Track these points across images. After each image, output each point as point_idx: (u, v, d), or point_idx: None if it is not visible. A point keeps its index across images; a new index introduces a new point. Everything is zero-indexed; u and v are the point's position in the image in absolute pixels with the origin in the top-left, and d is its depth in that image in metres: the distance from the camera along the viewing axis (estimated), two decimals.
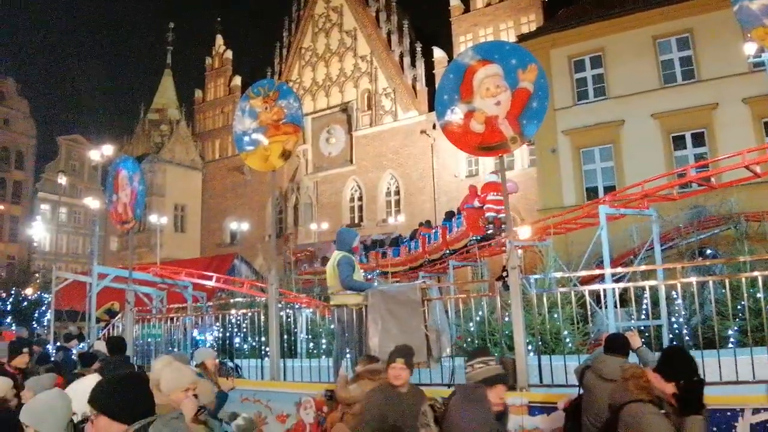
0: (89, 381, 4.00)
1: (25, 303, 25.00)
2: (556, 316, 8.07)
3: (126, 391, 2.35)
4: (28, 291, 27.25)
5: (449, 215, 18.34)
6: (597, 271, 9.52)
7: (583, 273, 8.98)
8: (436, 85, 33.20)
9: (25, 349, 6.33)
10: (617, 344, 4.32)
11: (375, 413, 4.04)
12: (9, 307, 24.08)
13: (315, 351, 10.22)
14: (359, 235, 8.18)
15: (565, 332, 8.25)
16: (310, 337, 10.44)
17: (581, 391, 4.28)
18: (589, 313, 7.78)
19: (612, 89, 22.02)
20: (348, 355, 7.11)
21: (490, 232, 15.65)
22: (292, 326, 9.89)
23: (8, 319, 22.55)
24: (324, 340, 10.11)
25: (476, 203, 16.38)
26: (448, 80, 5.94)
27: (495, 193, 15.33)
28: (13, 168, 44.70)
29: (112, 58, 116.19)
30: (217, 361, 7.73)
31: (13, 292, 25.35)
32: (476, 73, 5.75)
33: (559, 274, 8.32)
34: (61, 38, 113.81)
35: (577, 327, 8.32)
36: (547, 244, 10.42)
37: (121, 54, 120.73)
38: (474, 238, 16.26)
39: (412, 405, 4.03)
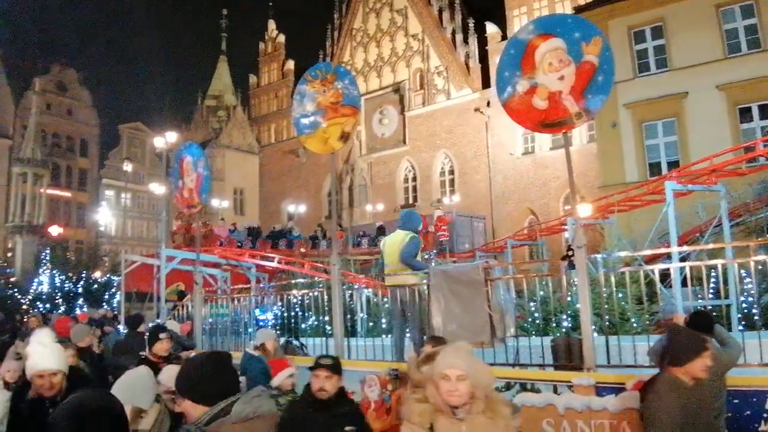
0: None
1: (95, 285, 26.18)
2: (621, 295, 7.90)
3: (206, 374, 2.36)
4: (97, 274, 28.50)
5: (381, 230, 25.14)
6: (664, 250, 9.22)
7: (650, 252, 8.72)
8: (490, 62, 32.82)
9: (163, 335, 5.70)
10: (702, 322, 4.19)
11: (674, 412, 3.47)
12: (80, 290, 25.26)
13: (375, 330, 10.34)
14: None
15: (631, 312, 8.08)
16: (369, 316, 10.57)
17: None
18: (658, 292, 7.57)
19: (674, 60, 21.16)
20: (408, 335, 7.18)
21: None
22: (352, 305, 10.02)
23: (80, 301, 23.66)
24: (384, 320, 10.21)
25: (431, 229, 23.07)
26: (509, 56, 5.81)
27: (444, 225, 24.02)
28: (78, 156, 46.55)
29: (169, 47, 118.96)
30: (282, 340, 7.94)
31: (83, 275, 26.56)
32: (538, 48, 5.61)
33: (624, 253, 8.11)
34: (118, 29, 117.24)
35: (644, 307, 8.13)
36: (610, 222, 10.18)
37: (178, 42, 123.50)
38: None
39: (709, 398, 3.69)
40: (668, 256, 9.59)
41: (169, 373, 4.35)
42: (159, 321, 11.20)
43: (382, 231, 24.44)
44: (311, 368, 3.85)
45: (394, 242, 7.12)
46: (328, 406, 3.74)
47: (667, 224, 9.39)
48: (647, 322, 7.14)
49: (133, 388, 3.02)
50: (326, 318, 9.02)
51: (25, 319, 13.19)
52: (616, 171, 21.62)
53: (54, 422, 1.99)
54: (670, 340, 3.68)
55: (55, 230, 32.56)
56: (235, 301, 10.04)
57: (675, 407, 3.40)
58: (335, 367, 3.85)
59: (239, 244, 21.86)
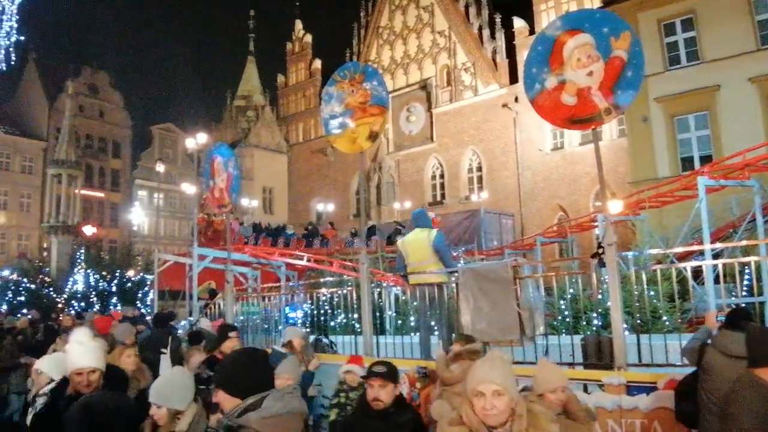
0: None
1: (129, 284, 26.66)
2: (652, 293, 7.79)
3: (240, 368, 2.46)
4: (131, 273, 29.01)
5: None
6: (696, 247, 9.07)
7: (682, 249, 8.57)
8: (518, 57, 32.61)
9: (232, 333, 5.89)
10: (739, 318, 4.10)
11: (760, 417, 3.32)
12: (114, 289, 25.76)
13: (403, 328, 10.37)
14: None
15: (663, 310, 7.96)
16: (398, 314, 10.60)
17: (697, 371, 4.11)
18: (690, 289, 7.45)
19: (706, 53, 20.75)
20: (436, 333, 7.19)
21: None
22: (381, 304, 10.06)
23: (114, 300, 24.14)
24: (412, 318, 10.24)
25: None
26: (536, 52, 5.78)
27: (436, 227, 23.30)
28: (111, 157, 47.48)
29: (198, 48, 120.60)
30: (312, 338, 8.01)
31: (117, 274, 27.08)
32: (566, 44, 5.57)
33: (655, 251, 8.00)
34: (148, 31, 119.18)
35: (675, 305, 8.01)
36: (642, 219, 10.04)
37: (206, 44, 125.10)
38: None
39: None
40: (701, 253, 9.43)
41: None
42: (191, 319, 11.39)
43: (398, 231, 24.67)
44: (365, 377, 3.69)
45: (418, 239, 7.16)
46: (387, 416, 3.57)
47: (700, 220, 9.22)
48: (679, 321, 7.03)
49: (169, 389, 3.06)
50: (355, 316, 9.07)
51: (60, 318, 13.53)
52: (647, 166, 21.30)
53: (66, 420, 2.06)
54: (754, 340, 3.52)
55: (89, 230, 33.21)
56: (266, 300, 10.17)
57: (761, 411, 3.25)
58: (390, 375, 3.65)
59: (246, 239, 22.38)
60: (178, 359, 6.76)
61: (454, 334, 6.20)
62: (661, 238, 11.22)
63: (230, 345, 5.59)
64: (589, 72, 5.40)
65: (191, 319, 11.26)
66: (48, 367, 4.20)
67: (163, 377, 3.24)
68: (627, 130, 23.92)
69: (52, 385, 4.00)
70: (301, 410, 2.42)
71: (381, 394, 3.58)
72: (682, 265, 6.82)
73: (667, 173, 19.75)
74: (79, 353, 3.66)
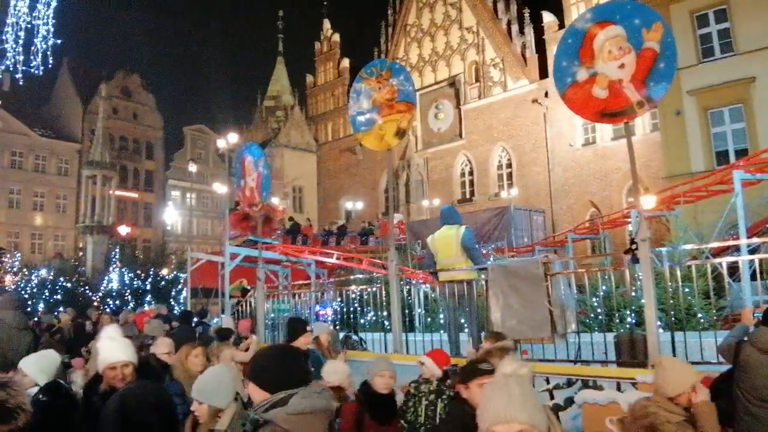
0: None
1: (163, 282, 27.14)
2: (687, 290, 7.63)
3: (272, 363, 2.49)
4: (164, 271, 29.53)
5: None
6: (732, 242, 8.85)
7: (717, 244, 8.37)
8: (547, 51, 32.20)
9: (309, 327, 5.77)
10: None
11: None
12: (148, 287, 26.24)
13: (432, 325, 10.35)
14: None
15: (698, 307, 7.79)
16: (427, 311, 10.58)
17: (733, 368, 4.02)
18: (726, 286, 7.28)
19: (740, 44, 20.24)
20: (466, 330, 7.16)
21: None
22: (410, 301, 10.06)
23: (148, 297, 24.59)
24: (441, 315, 10.21)
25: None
26: (566, 45, 5.71)
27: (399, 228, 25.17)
28: (144, 158, 48.38)
29: (228, 50, 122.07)
30: (341, 335, 8.05)
31: (151, 272, 27.59)
32: (596, 36, 5.49)
33: (690, 246, 7.84)
34: (178, 34, 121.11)
35: (710, 302, 7.83)
36: (676, 214, 9.84)
37: (236, 45, 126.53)
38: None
39: None
40: (737, 249, 9.21)
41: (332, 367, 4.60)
42: (223, 316, 11.53)
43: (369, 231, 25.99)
44: (468, 378, 3.29)
45: (447, 236, 7.14)
46: None
47: (735, 215, 9.00)
48: (714, 318, 6.86)
49: (211, 386, 3.06)
50: (385, 313, 9.09)
51: (94, 315, 13.83)
52: (681, 160, 20.87)
53: (102, 417, 2.09)
54: None
55: (123, 230, 33.89)
56: (296, 297, 10.25)
57: None
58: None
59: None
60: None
61: (483, 332, 6.16)
62: (695, 234, 10.96)
63: (305, 341, 5.50)
64: (620, 64, 5.32)
65: (222, 316, 11.39)
66: (32, 370, 3.75)
67: (206, 375, 3.24)
68: (660, 124, 23.47)
69: (36, 391, 3.48)
70: (327, 409, 2.43)
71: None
72: (717, 260, 6.65)
73: (701, 168, 19.32)
74: (111, 348, 3.72)
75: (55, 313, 15.92)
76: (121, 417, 2.08)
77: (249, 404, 3.06)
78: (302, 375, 2.50)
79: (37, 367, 3.79)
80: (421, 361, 4.93)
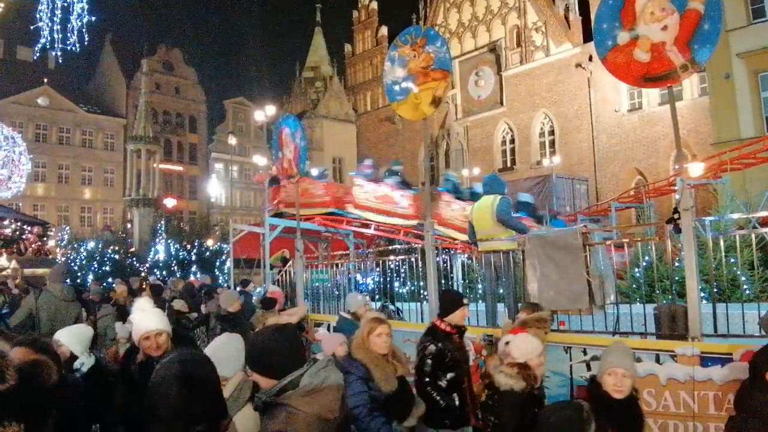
0: None
1: (207, 253, 27.79)
2: (732, 260, 7.39)
3: (268, 348, 2.43)
4: (209, 242, 30.21)
5: None
6: None
7: (765, 213, 8.04)
8: (592, 14, 31.15)
9: (465, 300, 4.87)
10: None
11: None
12: (194, 258, 26.91)
13: (470, 295, 10.32)
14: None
15: (743, 278, 7.54)
16: (465, 282, 10.54)
17: None
18: None
19: None
20: (504, 300, 7.10)
21: None
22: (449, 271, 10.04)
23: (193, 268, 25.23)
24: (480, 285, 10.16)
25: None
26: (607, 7, 5.48)
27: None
28: (187, 132, 49.20)
29: (267, 21, 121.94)
30: (378, 304, 8.09)
31: (196, 244, 28.26)
32: None
33: (736, 215, 7.55)
34: (217, 6, 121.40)
35: (756, 273, 7.57)
36: (723, 182, 9.49)
37: (275, 16, 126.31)
38: None
39: None
40: None
41: None
42: (264, 286, 11.73)
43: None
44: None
45: (484, 207, 7.06)
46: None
47: None
48: (759, 290, 6.63)
49: (220, 354, 3.09)
50: (421, 283, 9.10)
51: (143, 286, 14.24)
52: (730, 126, 20.05)
53: (156, 383, 2.12)
54: None
55: (169, 202, 34.72)
56: (335, 267, 10.35)
57: None
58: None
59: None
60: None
61: (520, 304, 6.10)
62: (743, 203, 10.54)
63: (461, 315, 4.84)
64: (663, 26, 5.07)
65: (264, 286, 11.59)
66: (68, 340, 4.04)
67: (217, 343, 3.28)
68: (708, 88, 22.54)
69: (80, 363, 3.97)
70: (338, 383, 2.42)
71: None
72: (763, 230, 6.39)
73: (751, 133, 18.53)
74: (144, 319, 3.82)
75: (107, 284, 16.45)
76: (184, 383, 2.13)
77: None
78: (299, 354, 2.47)
79: (73, 338, 4.08)
80: (507, 341, 4.72)
